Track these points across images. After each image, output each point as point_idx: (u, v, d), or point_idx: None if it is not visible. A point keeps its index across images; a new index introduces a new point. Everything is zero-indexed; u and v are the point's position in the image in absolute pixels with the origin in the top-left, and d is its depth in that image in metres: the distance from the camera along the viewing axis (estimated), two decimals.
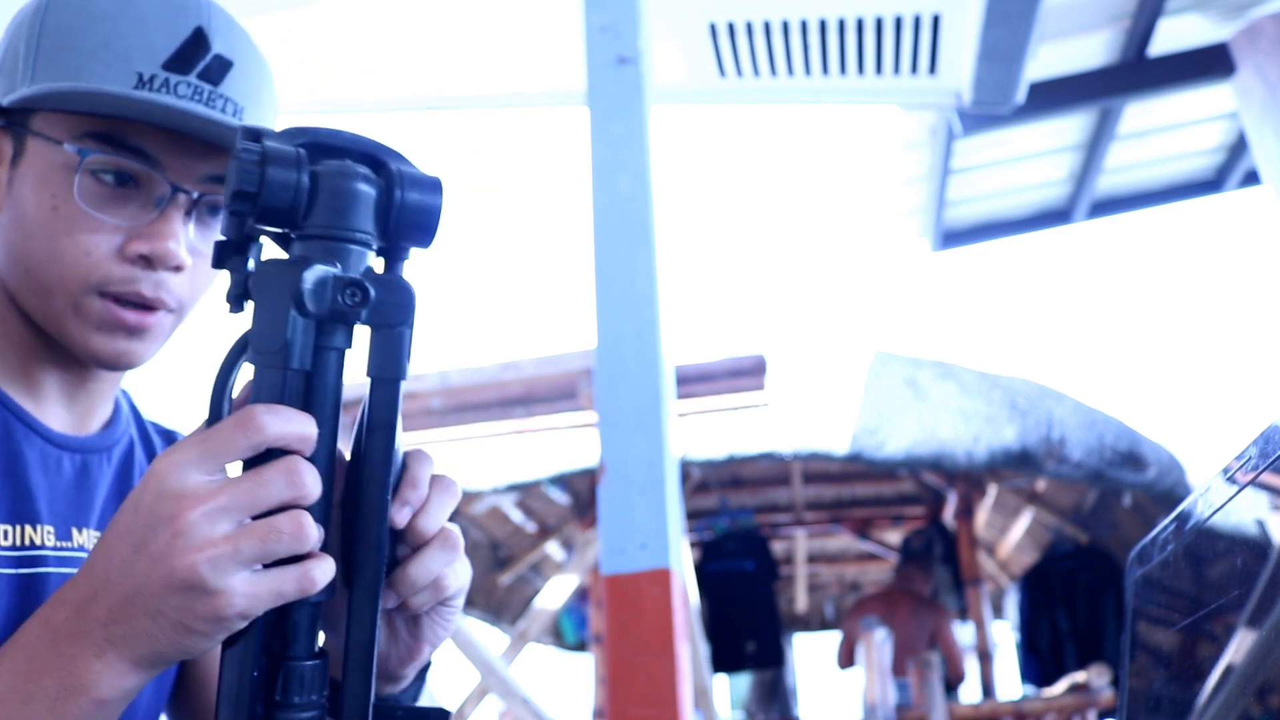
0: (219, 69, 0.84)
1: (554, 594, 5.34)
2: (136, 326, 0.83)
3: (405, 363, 0.63)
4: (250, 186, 0.60)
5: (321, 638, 0.65)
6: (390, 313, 0.62)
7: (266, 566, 0.58)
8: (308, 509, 0.60)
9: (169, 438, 1.01)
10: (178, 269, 0.83)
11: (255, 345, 0.61)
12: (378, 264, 0.65)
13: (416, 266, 0.68)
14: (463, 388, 4.63)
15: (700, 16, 3.18)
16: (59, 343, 0.85)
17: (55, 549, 0.82)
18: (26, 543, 0.80)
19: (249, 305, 0.62)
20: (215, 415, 0.62)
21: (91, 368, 0.87)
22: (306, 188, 0.61)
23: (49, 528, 0.82)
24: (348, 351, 0.63)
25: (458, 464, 6.02)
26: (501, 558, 7.34)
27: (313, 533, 0.59)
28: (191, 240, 0.84)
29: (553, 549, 7.39)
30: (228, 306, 0.64)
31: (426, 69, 3.45)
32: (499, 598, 7.86)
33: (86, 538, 0.85)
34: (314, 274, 0.60)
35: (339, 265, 0.62)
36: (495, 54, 3.38)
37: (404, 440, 0.70)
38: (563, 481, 6.08)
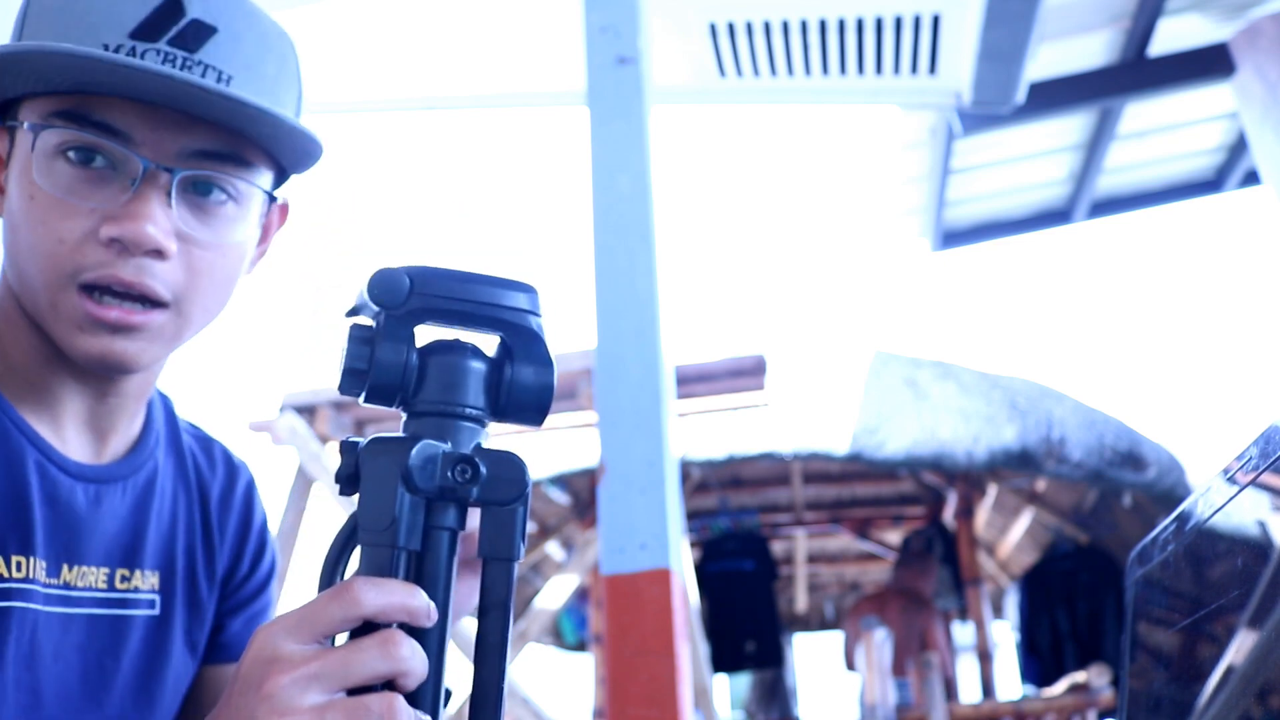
0: (196, 34, 0.76)
1: (554, 594, 5.34)
2: (119, 323, 0.76)
3: (520, 542, 0.61)
4: (360, 364, 0.60)
5: None
6: (502, 489, 0.61)
7: None
8: (410, 686, 0.57)
9: (206, 445, 0.97)
10: (159, 254, 0.76)
11: (363, 523, 0.60)
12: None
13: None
14: None
15: (700, 16, 3.18)
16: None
17: (45, 585, 0.78)
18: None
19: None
20: None
21: (108, 378, 0.82)
22: (415, 366, 0.61)
23: (42, 562, 0.78)
24: (460, 534, 0.62)
25: None
26: None
27: (404, 717, 0.56)
28: (178, 224, 0.77)
29: (553, 549, 7.39)
30: (337, 488, 0.63)
31: (426, 69, 3.45)
32: None
33: (67, 573, 0.80)
34: (423, 451, 0.59)
35: (449, 442, 0.61)
36: (495, 54, 3.38)
37: None
38: (563, 481, 6.07)
